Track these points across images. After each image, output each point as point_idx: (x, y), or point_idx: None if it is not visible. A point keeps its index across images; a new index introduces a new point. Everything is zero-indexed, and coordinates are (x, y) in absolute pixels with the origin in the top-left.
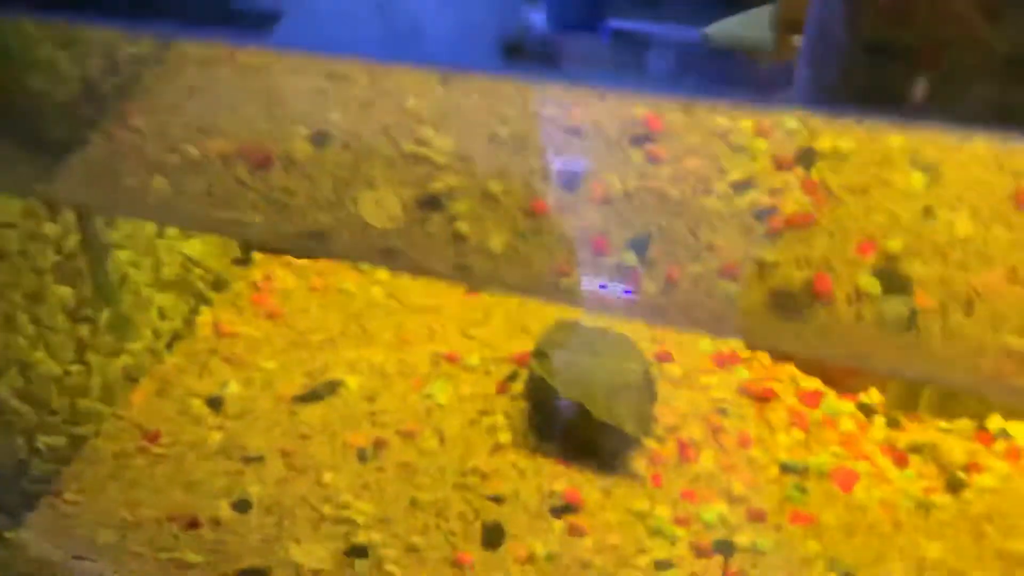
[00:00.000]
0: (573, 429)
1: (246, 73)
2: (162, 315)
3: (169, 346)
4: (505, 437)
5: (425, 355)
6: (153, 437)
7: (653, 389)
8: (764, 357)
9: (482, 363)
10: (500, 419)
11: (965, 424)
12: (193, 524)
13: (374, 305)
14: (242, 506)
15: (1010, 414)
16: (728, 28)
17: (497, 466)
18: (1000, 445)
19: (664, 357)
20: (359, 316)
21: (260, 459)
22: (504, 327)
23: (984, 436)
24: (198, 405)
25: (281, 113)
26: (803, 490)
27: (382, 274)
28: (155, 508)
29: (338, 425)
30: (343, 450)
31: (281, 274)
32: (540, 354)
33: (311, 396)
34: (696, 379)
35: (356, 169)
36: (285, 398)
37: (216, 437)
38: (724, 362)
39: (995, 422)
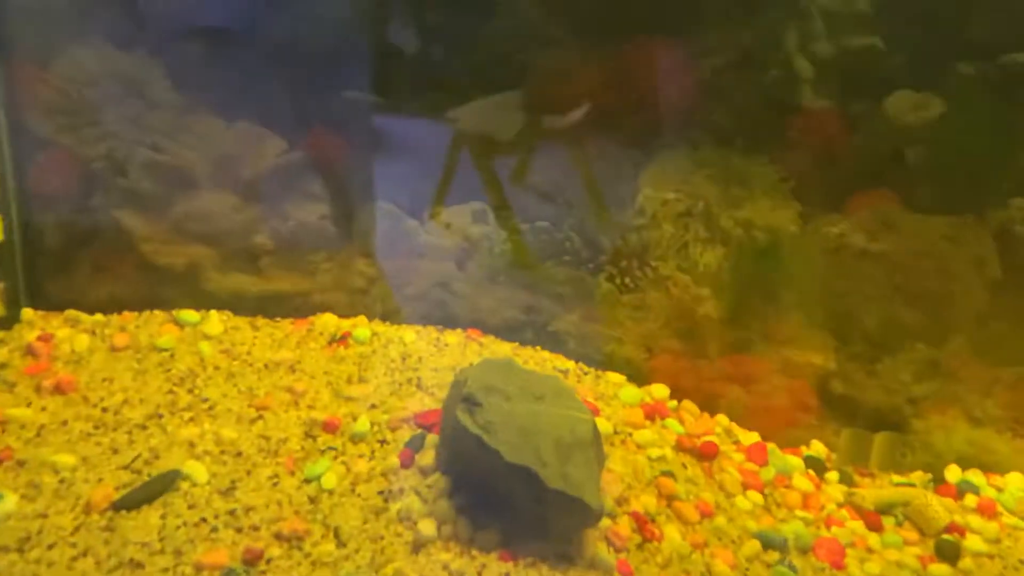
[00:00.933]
0: (517, 505)
1: None
2: None
3: None
4: (427, 527)
5: (293, 425)
6: None
7: (601, 447)
8: (691, 406)
9: (374, 429)
10: (414, 502)
11: (920, 476)
12: None
13: (207, 365)
14: None
15: (965, 463)
16: (474, 112)
17: (425, 571)
18: (970, 500)
19: (591, 411)
20: (189, 380)
21: None
22: (388, 382)
23: (947, 489)
24: None
25: None
26: (794, 568)
27: (212, 325)
28: None
29: (184, 538)
30: None
31: (66, 333)
32: (471, 402)
33: (137, 498)
34: (629, 435)
35: None
36: (97, 506)
37: None
38: (653, 414)
39: (954, 473)
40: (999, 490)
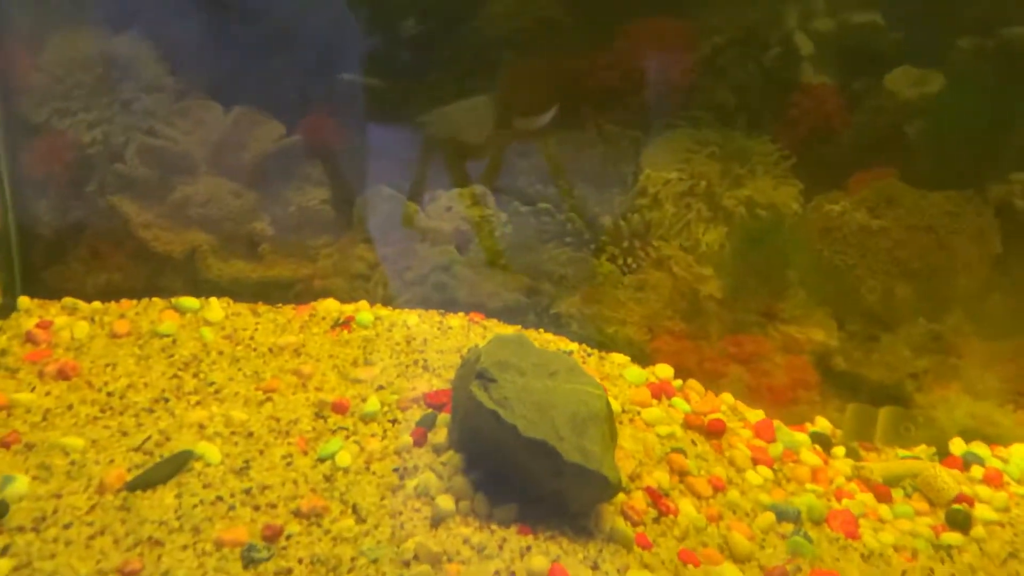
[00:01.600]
0: (534, 480)
1: None
2: None
3: None
4: (446, 503)
5: (302, 406)
6: None
7: (614, 424)
8: (696, 385)
9: (383, 409)
10: (430, 479)
11: (924, 450)
12: None
13: (211, 350)
14: None
15: (968, 436)
16: (444, 117)
17: (446, 545)
18: (977, 471)
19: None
20: (193, 365)
21: None
22: (395, 364)
23: (953, 462)
24: None
25: None
26: (809, 539)
27: (213, 311)
28: None
29: (202, 516)
30: (218, 554)
31: (65, 321)
32: (485, 378)
33: (151, 478)
34: (637, 414)
35: None
36: (110, 487)
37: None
38: (659, 393)
39: (958, 446)
40: (1004, 461)
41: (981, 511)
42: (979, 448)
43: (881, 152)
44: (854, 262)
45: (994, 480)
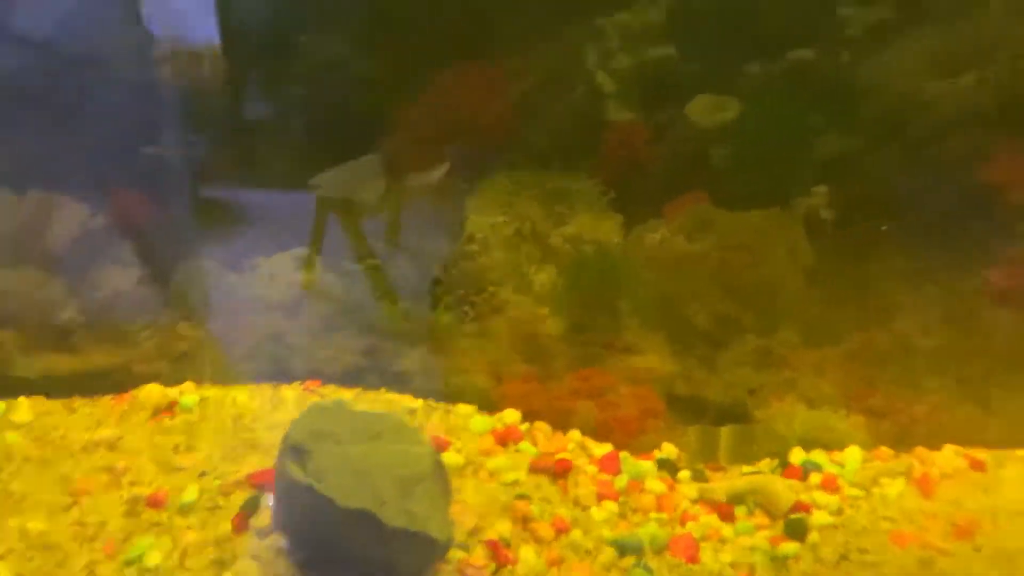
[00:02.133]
0: (360, 551)
1: None
2: None
3: None
4: None
5: (113, 506)
6: None
7: (447, 479)
8: (543, 426)
9: (203, 498)
10: (250, 567)
11: (767, 463)
12: None
13: (15, 456)
14: None
15: (808, 444)
16: (335, 178)
17: None
18: (815, 478)
19: (440, 445)
20: None
21: None
22: (220, 446)
23: (793, 471)
24: None
25: None
26: (649, 570)
27: (20, 413)
28: None
29: None
30: None
31: None
32: (298, 451)
33: None
34: (482, 464)
35: None
36: None
37: None
38: (505, 439)
39: (797, 455)
40: (841, 465)
41: (818, 517)
42: (818, 455)
43: (691, 178)
44: (680, 287)
45: (830, 485)
